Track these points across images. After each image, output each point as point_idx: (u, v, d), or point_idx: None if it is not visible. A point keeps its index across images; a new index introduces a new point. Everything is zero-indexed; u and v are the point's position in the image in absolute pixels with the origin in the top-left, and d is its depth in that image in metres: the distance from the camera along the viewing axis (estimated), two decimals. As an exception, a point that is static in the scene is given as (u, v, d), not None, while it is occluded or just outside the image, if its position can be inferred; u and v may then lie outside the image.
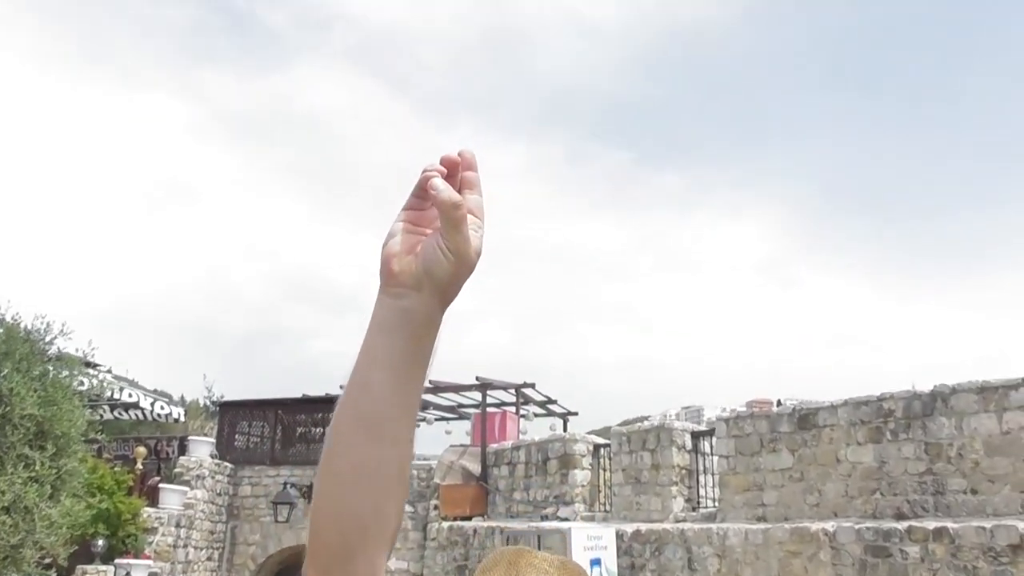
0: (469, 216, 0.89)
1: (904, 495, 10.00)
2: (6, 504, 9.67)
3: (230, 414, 20.89)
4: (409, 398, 0.90)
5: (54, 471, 10.45)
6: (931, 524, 9.01)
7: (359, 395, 0.90)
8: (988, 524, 8.57)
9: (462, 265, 0.88)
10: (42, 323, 11.51)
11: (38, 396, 10.57)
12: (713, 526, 11.21)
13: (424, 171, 0.90)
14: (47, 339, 11.53)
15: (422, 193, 0.90)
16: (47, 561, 10.61)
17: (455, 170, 0.92)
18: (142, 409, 20.49)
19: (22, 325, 11.44)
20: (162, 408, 20.90)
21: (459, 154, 0.93)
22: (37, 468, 10.14)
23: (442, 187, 0.87)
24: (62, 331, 11.67)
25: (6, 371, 10.62)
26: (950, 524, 8.85)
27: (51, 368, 11.34)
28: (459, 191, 0.89)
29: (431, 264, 0.88)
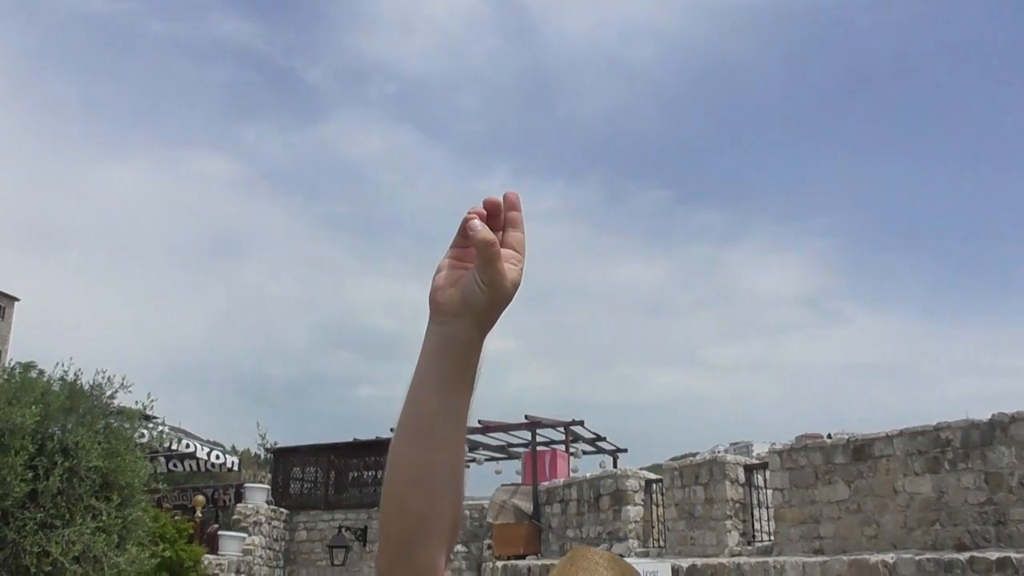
0: (507, 251, 1.02)
1: (964, 525, 9.89)
2: (76, 554, 9.94)
3: (284, 460, 21.18)
4: (455, 411, 1.02)
5: (120, 521, 10.73)
6: (994, 554, 8.90)
7: (412, 410, 1.03)
8: (1052, 553, 8.46)
9: (496, 295, 1.00)
10: (103, 378, 11.87)
11: (102, 449, 10.88)
12: (770, 559, 11.15)
13: (468, 213, 1.03)
14: (108, 393, 11.87)
15: (465, 232, 1.02)
16: (115, 610, 10.83)
17: (496, 211, 1.04)
18: (198, 459, 20.91)
19: (84, 380, 11.80)
20: (217, 457, 21.30)
21: (504, 196, 1.05)
22: (104, 518, 10.42)
23: (479, 227, 0.99)
24: (122, 385, 12.00)
25: (71, 425, 10.97)
26: (1013, 554, 8.74)
27: (113, 421, 11.68)
28: (503, 229, 1.03)
29: (469, 295, 1.00)
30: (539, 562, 15.50)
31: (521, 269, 1.03)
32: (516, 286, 1.02)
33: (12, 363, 12.02)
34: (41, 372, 11.39)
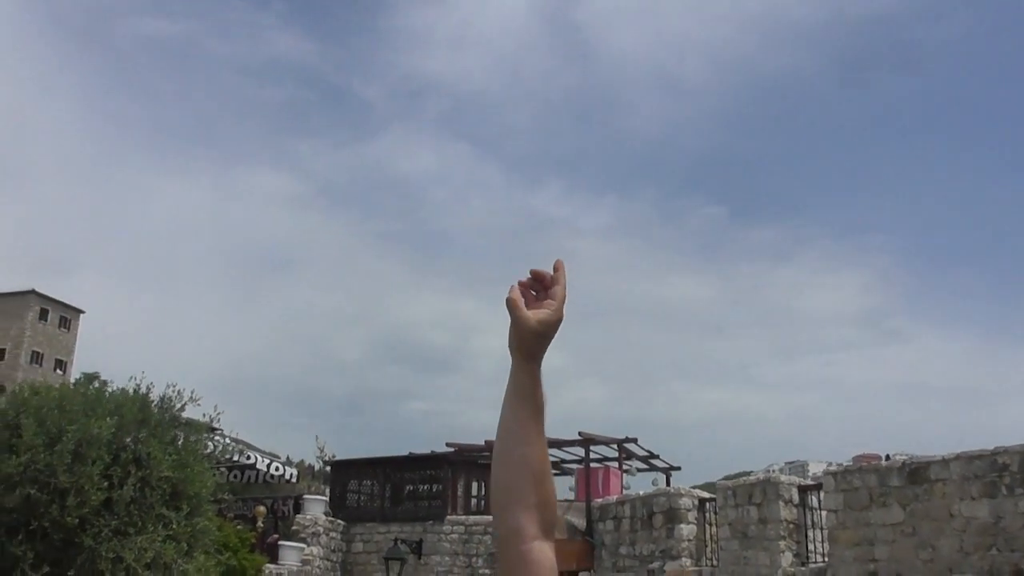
0: (547, 300, 1.47)
1: (1022, 551, 9.83)
2: (148, 560, 10.36)
3: (341, 473, 21.60)
4: (520, 417, 1.44)
5: (188, 529, 11.15)
6: (1051, 580, 8.86)
7: (501, 415, 1.47)
8: (1111, 580, 8.40)
9: (525, 332, 1.45)
10: (173, 391, 12.35)
11: (172, 459, 11.32)
12: (824, 582, 11.18)
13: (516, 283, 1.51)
14: (178, 406, 12.34)
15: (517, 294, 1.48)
16: (183, 615, 11.23)
17: (540, 276, 1.50)
18: (258, 470, 21.43)
19: (155, 393, 12.29)
20: (276, 469, 21.81)
21: (553, 265, 1.51)
22: (174, 527, 10.84)
23: (510, 291, 1.47)
24: (191, 398, 12.47)
25: (143, 436, 11.43)
26: (1071, 580, 8.69)
27: (182, 433, 12.13)
28: (549, 287, 1.49)
29: (510, 336, 1.46)
30: (592, 578, 15.61)
31: (553, 311, 1.46)
32: (544, 323, 1.45)
33: (79, 375, 12.57)
34: (104, 383, 11.87)
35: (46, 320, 73.64)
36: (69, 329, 76.34)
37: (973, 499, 10.43)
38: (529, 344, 1.46)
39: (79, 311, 77.46)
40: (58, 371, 66.46)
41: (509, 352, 1.48)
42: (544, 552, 1.38)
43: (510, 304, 1.46)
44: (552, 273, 1.50)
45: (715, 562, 14.47)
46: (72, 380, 12.85)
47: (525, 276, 1.51)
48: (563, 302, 1.48)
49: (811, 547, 13.09)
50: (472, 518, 19.60)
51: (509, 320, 1.47)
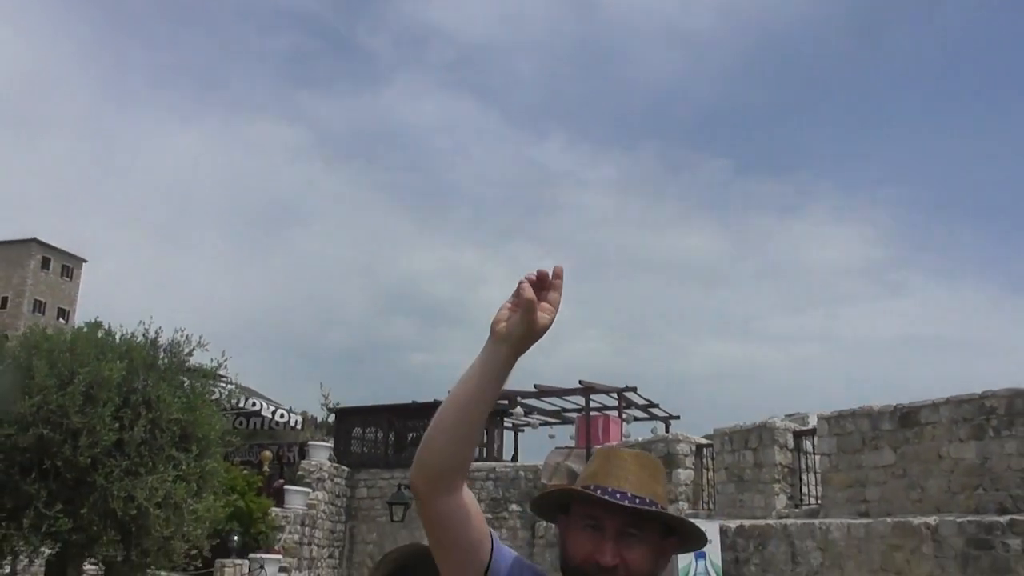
0: (545, 304, 1.57)
1: (1007, 490, 10.11)
2: (159, 500, 10.70)
3: (345, 420, 21.96)
4: (485, 399, 1.57)
5: (198, 470, 11.48)
6: (1033, 517, 9.15)
7: (461, 389, 1.58)
8: (1091, 517, 8.68)
9: (531, 333, 1.56)
10: (182, 336, 12.58)
11: (181, 403, 11.60)
12: (816, 521, 11.49)
13: (523, 278, 1.60)
14: (187, 350, 12.57)
15: (519, 291, 1.57)
16: (193, 552, 11.62)
17: (544, 277, 1.59)
18: (263, 417, 21.75)
19: (164, 338, 12.52)
20: (281, 416, 22.11)
21: (553, 269, 1.60)
22: (184, 468, 11.16)
23: (526, 289, 1.55)
24: (199, 343, 12.71)
25: (153, 380, 11.69)
26: (1053, 517, 8.98)
27: (186, 379, 12.38)
28: (547, 289, 1.58)
29: (514, 330, 1.56)
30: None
31: (552, 317, 1.58)
32: (546, 328, 1.57)
33: (82, 324, 12.76)
34: (109, 331, 12.07)
35: (48, 269, 73.87)
36: (71, 278, 76.60)
37: (961, 441, 10.69)
38: (527, 343, 1.57)
39: (82, 260, 77.64)
40: (60, 320, 66.80)
41: (495, 336, 1.57)
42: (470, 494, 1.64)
43: (529, 305, 1.54)
44: (552, 278, 1.58)
45: (711, 505, 14.81)
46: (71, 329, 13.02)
47: (532, 269, 1.60)
48: (558, 309, 1.59)
49: (805, 490, 13.40)
50: (474, 464, 19.90)
51: (503, 309, 1.59)
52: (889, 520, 10.55)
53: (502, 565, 1.63)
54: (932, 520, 10.03)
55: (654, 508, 1.63)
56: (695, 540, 1.75)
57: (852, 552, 10.64)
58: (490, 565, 1.61)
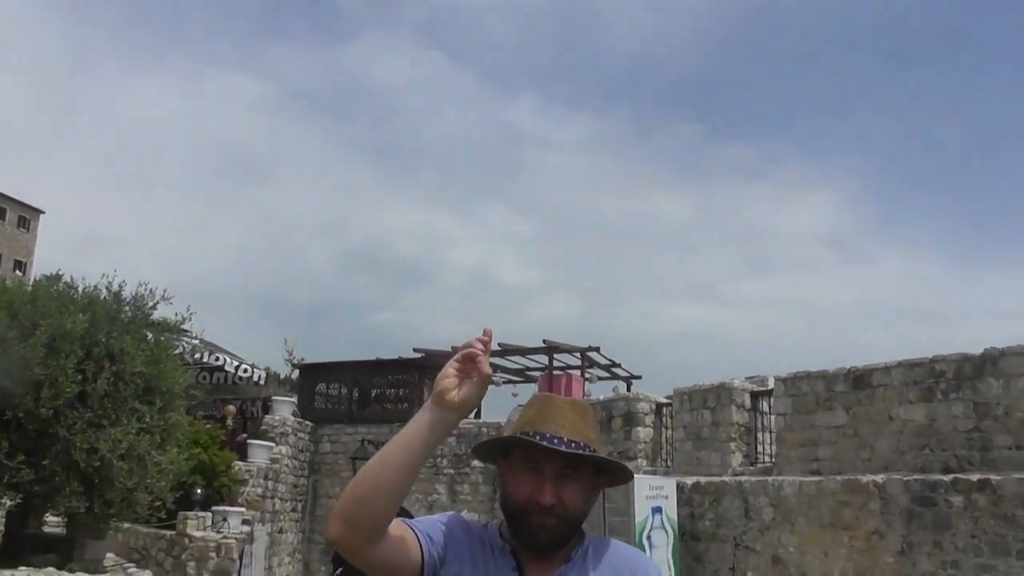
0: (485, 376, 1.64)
1: (952, 450, 10.47)
2: (122, 452, 10.73)
3: (309, 376, 22.01)
4: (423, 460, 1.64)
5: (161, 423, 11.51)
6: (975, 476, 9.50)
7: (400, 448, 1.63)
8: (1029, 476, 9.04)
9: (477, 403, 1.68)
10: (146, 289, 12.53)
11: (145, 356, 11.59)
12: (769, 479, 11.82)
13: (475, 343, 1.68)
14: (151, 304, 12.53)
15: (466, 358, 1.64)
16: (157, 504, 11.69)
17: (488, 342, 1.66)
18: (226, 372, 21.68)
19: (127, 292, 12.46)
20: (245, 371, 22.06)
21: (485, 332, 1.68)
22: (147, 420, 11.19)
23: (484, 365, 1.64)
24: (163, 297, 12.66)
25: (116, 333, 11.65)
26: (993, 476, 9.33)
27: (149, 333, 12.35)
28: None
29: (468, 402, 1.64)
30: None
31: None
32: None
33: (40, 276, 12.66)
34: (72, 283, 11.99)
35: (4, 220, 72.48)
36: (28, 229, 75.23)
37: (911, 403, 11.03)
38: (471, 409, 1.69)
39: (39, 211, 76.22)
40: (17, 272, 65.74)
41: (447, 405, 1.63)
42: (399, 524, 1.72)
43: (487, 379, 1.65)
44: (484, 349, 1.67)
45: (669, 463, 15.14)
46: (32, 281, 12.91)
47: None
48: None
49: (760, 448, 13.75)
50: (437, 421, 20.16)
51: (449, 377, 1.64)
52: (839, 478, 10.89)
53: (434, 554, 1.73)
54: (880, 478, 10.37)
55: (588, 452, 1.74)
56: (623, 477, 1.88)
57: (803, 508, 10.98)
58: (424, 565, 1.72)
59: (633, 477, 2.04)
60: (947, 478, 9.71)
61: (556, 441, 1.72)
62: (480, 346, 1.64)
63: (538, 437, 1.73)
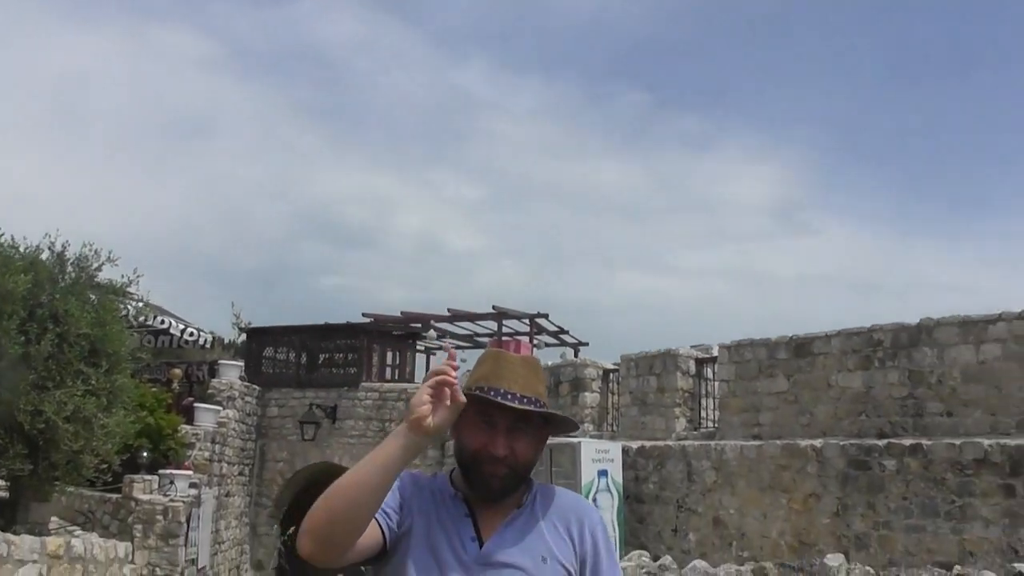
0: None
1: (887, 417, 10.87)
2: (67, 414, 10.62)
3: (257, 340, 21.87)
4: (391, 481, 1.71)
5: (107, 386, 11.39)
6: (907, 441, 9.89)
7: (371, 468, 1.69)
8: (958, 441, 9.44)
9: (448, 427, 1.73)
10: (90, 250, 12.32)
11: (90, 318, 11.43)
12: (712, 443, 12.14)
13: (447, 372, 1.73)
14: (95, 265, 12.33)
15: (440, 384, 1.69)
16: (103, 467, 11.61)
17: (456, 367, 1.72)
18: (171, 335, 21.46)
19: (70, 252, 12.23)
20: (191, 335, 21.84)
21: (451, 355, 1.75)
22: (93, 382, 11.07)
23: (459, 392, 1.69)
24: (109, 258, 12.45)
25: (59, 294, 11.46)
26: (924, 441, 9.72)
27: (93, 295, 12.17)
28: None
29: (441, 428, 1.69)
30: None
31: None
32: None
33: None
34: (13, 243, 11.74)
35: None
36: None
37: (849, 371, 11.39)
38: (443, 432, 1.73)
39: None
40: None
41: (421, 430, 1.68)
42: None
43: (460, 407, 1.70)
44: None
45: (615, 427, 15.43)
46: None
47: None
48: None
49: (704, 414, 14.09)
50: (386, 385, 20.22)
51: (424, 404, 1.68)
52: (779, 442, 11.23)
53: (392, 525, 1.83)
54: (818, 443, 10.72)
55: (539, 408, 1.86)
56: (569, 427, 2.04)
57: (743, 471, 11.31)
58: (385, 540, 1.82)
59: (578, 427, 2.17)
60: (881, 443, 10.08)
61: (509, 397, 1.83)
62: (453, 372, 1.71)
63: (492, 393, 1.84)
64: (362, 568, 1.90)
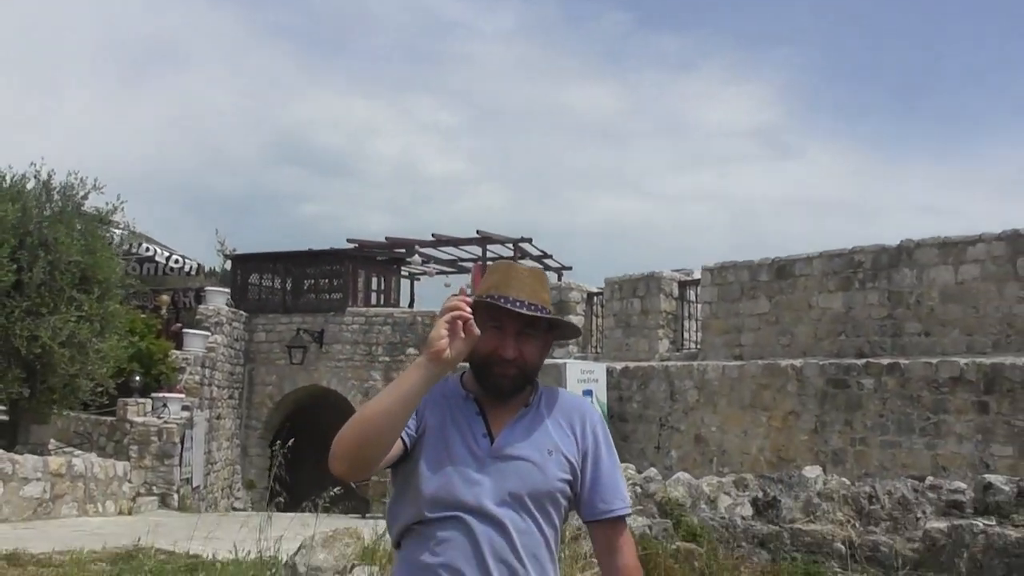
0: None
1: (866, 337, 11.18)
2: (63, 339, 10.77)
3: (242, 267, 21.94)
4: (412, 410, 1.84)
5: (100, 312, 11.53)
6: (885, 360, 10.22)
7: (396, 392, 1.82)
8: (934, 360, 9.76)
9: (464, 357, 1.84)
10: (76, 179, 12.31)
11: (80, 245, 11.50)
12: (694, 363, 12.46)
13: (458, 307, 1.84)
14: (82, 193, 12.34)
15: (454, 318, 1.80)
16: (99, 390, 11.81)
17: (469, 302, 1.84)
18: (157, 263, 21.46)
19: (56, 180, 12.22)
20: (176, 262, 21.85)
21: (462, 291, 1.92)
22: (86, 308, 11.21)
23: (474, 327, 1.80)
24: (95, 186, 12.46)
25: (49, 223, 11.50)
26: (902, 360, 10.05)
27: (80, 223, 12.19)
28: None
29: (460, 357, 1.80)
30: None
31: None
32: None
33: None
34: (0, 173, 11.73)
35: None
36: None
37: (830, 292, 11.66)
38: (459, 362, 1.81)
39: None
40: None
41: (440, 361, 1.79)
42: None
43: (475, 337, 1.81)
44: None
45: (600, 349, 15.74)
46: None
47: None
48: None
49: (686, 335, 14.40)
50: (372, 310, 20.43)
51: (444, 337, 1.79)
52: (760, 362, 11.55)
53: (413, 437, 1.99)
54: (798, 362, 11.05)
55: (545, 314, 2.03)
56: (573, 332, 2.26)
57: (725, 390, 11.65)
58: (407, 448, 1.98)
59: (580, 333, 2.38)
60: (860, 362, 10.41)
61: (518, 304, 1.99)
62: (466, 307, 1.84)
63: (503, 300, 2.00)
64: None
